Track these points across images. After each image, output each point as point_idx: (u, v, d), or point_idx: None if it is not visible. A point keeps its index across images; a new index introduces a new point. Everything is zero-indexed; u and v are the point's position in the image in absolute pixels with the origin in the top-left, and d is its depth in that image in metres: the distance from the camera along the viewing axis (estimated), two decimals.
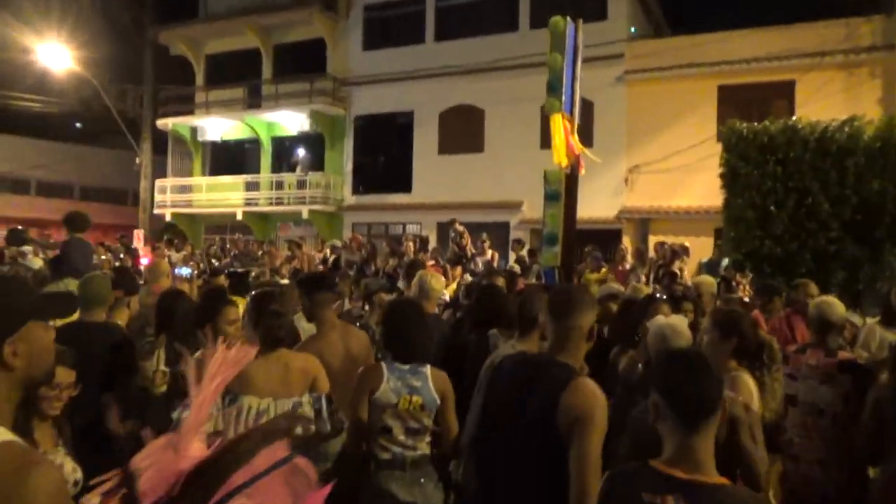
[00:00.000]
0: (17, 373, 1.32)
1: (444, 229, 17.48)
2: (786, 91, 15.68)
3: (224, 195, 22.74)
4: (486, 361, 3.26)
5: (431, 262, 9.94)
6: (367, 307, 5.47)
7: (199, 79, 24.13)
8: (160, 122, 23.55)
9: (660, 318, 3.26)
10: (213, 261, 13.65)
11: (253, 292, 3.58)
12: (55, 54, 20.10)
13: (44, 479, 1.21)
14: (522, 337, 3.26)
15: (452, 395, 3.00)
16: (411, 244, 10.92)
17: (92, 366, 3.02)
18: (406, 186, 20.34)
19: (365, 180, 21.26)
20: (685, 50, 16.37)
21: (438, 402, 2.96)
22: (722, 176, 9.41)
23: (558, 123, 8.40)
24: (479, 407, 2.54)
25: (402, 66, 19.96)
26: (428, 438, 2.99)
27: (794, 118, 9.31)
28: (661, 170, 16.78)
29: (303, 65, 21.55)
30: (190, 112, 23.65)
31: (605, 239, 15.06)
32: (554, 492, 2.13)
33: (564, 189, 8.37)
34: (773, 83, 15.85)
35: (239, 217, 21.87)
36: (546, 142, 17.61)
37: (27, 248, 8.52)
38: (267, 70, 22.77)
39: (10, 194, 28.98)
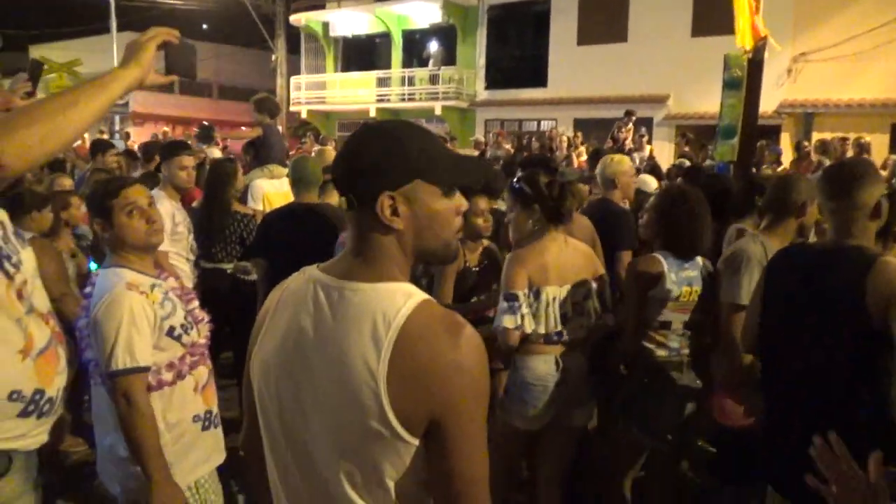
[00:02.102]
0: (404, 237, 1.16)
1: (581, 125, 16.72)
2: None
3: (356, 92, 22.84)
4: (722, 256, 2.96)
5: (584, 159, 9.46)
6: None
7: None
8: (293, 18, 23.62)
9: None
10: None
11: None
12: None
13: (473, 339, 1.11)
14: (771, 228, 2.87)
15: None
16: (565, 138, 10.41)
17: (306, 245, 2.97)
18: (541, 80, 19.48)
19: (498, 74, 20.54)
20: None
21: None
22: None
23: (743, 0, 7.49)
24: (757, 307, 2.24)
25: None
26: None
27: None
28: (831, 58, 14.99)
29: None
30: (322, 6, 23.56)
31: (761, 136, 13.83)
32: (869, 383, 1.95)
33: (747, 75, 7.56)
34: None
35: (372, 114, 21.93)
36: (698, 29, 16.39)
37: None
38: None
39: (157, 93, 30.51)
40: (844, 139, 9.73)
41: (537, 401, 2.72)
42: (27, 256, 1.72)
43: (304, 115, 23.79)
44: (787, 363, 2.11)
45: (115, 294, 2.03)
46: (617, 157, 4.67)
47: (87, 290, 2.22)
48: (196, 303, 2.34)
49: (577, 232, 3.27)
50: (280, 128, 20.30)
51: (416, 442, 1.09)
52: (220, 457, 2.28)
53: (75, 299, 3.63)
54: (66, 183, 5.29)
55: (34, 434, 1.67)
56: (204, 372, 2.23)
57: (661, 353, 2.81)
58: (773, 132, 15.16)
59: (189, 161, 4.04)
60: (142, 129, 20.83)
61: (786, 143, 14.01)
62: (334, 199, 3.67)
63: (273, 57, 23.75)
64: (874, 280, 1.92)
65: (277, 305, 1.25)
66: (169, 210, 3.80)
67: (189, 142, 7.10)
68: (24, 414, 1.62)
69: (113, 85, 1.49)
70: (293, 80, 24.12)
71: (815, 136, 14.07)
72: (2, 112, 1.60)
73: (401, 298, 1.12)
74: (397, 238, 1.16)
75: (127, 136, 15.66)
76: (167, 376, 2.11)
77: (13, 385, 1.59)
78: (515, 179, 2.90)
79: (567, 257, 2.79)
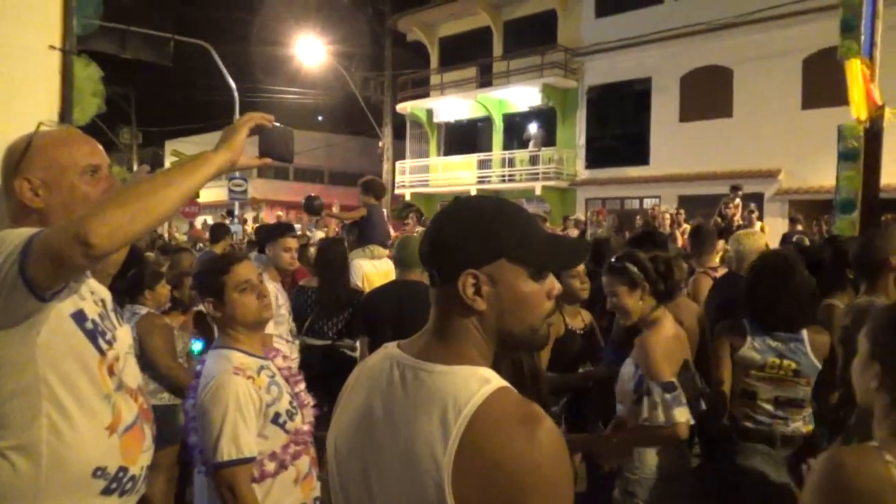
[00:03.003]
0: (486, 319, 1.11)
1: (685, 202, 16.32)
2: None
3: (458, 174, 23.48)
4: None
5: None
6: None
7: (434, 62, 25.06)
8: (399, 107, 24.86)
9: None
10: None
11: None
12: (311, 49, 22.05)
13: (551, 434, 1.01)
14: (871, 288, 2.70)
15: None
16: (668, 216, 10.19)
17: (409, 322, 3.00)
18: (643, 158, 19.32)
19: (598, 154, 20.58)
20: None
21: (819, 368, 2.57)
22: None
23: (856, 69, 7.26)
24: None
25: (638, 29, 18.82)
26: (807, 413, 2.59)
27: None
28: None
29: (533, 39, 21.31)
30: (426, 95, 24.69)
31: (885, 209, 12.97)
32: None
33: (864, 147, 7.22)
34: None
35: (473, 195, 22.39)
36: (809, 100, 15.88)
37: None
38: (497, 48, 22.94)
39: (273, 180, 32.67)
40: None
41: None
42: (123, 333, 1.74)
43: (407, 198, 24.65)
44: None
45: (222, 379, 2.00)
46: (751, 232, 4.56)
47: (198, 368, 2.21)
48: (303, 385, 2.28)
49: (684, 313, 3.14)
50: (385, 210, 21.04)
51: None
52: None
53: (185, 371, 3.81)
54: (186, 262, 5.64)
55: None
56: (306, 461, 2.15)
57: (747, 423, 2.66)
58: None
59: (293, 243, 4.15)
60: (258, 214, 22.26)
61: None
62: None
63: (380, 143, 24.96)
64: None
65: (355, 383, 1.23)
66: (273, 291, 3.85)
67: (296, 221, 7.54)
68: (106, 492, 1.59)
69: (204, 168, 1.53)
70: (398, 164, 25.16)
71: None
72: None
73: (475, 384, 1.04)
74: (478, 319, 1.11)
75: (244, 221, 16.74)
76: (269, 467, 2.03)
77: (98, 462, 1.57)
78: (616, 259, 2.78)
79: (682, 335, 2.68)
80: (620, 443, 2.55)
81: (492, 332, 1.12)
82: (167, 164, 2.50)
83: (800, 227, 9.73)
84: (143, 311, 3.84)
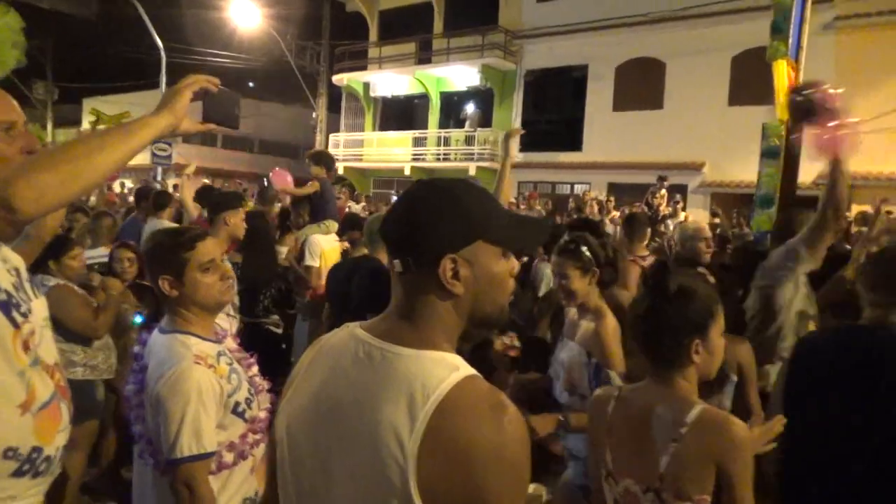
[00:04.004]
0: (461, 302, 1.10)
1: (615, 190, 16.73)
2: None
3: (392, 150, 23.27)
4: None
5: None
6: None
7: (373, 34, 24.65)
8: (335, 78, 24.37)
9: None
10: None
11: None
12: (246, 12, 21.26)
13: (517, 423, 1.02)
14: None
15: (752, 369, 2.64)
16: (596, 203, 10.40)
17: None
18: (576, 144, 19.65)
19: (533, 137, 20.69)
20: None
21: (735, 379, 2.64)
22: None
23: (782, 71, 7.54)
24: None
25: (577, 16, 19.05)
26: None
27: None
28: (871, 130, 14.84)
29: (475, 18, 21.23)
30: (363, 68, 24.29)
31: (799, 206, 13.63)
32: None
33: (785, 146, 7.53)
34: None
35: (407, 172, 22.27)
36: (736, 98, 16.45)
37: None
38: (438, 24, 22.76)
39: (200, 146, 31.54)
40: (889, 212, 9.54)
41: None
42: (38, 305, 1.62)
43: (341, 172, 24.28)
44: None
45: (183, 369, 1.85)
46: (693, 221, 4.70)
47: (137, 349, 2.05)
48: (256, 368, 2.17)
49: (618, 300, 3.18)
50: None
51: None
52: None
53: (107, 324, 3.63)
54: (106, 225, 5.27)
55: (27, 496, 1.54)
56: (262, 449, 2.03)
57: None
58: (812, 203, 14.94)
59: (244, 213, 3.97)
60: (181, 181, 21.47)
61: None
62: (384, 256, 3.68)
63: (314, 114, 24.44)
64: None
65: (313, 363, 1.19)
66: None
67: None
68: (18, 473, 1.49)
69: (143, 131, 1.44)
70: (332, 137, 24.73)
71: (855, 208, 13.87)
72: (25, 155, 1.54)
73: (444, 370, 1.03)
74: (454, 303, 1.10)
75: (174, 189, 16.06)
76: (228, 458, 1.93)
77: (9, 442, 1.47)
78: (570, 240, 2.71)
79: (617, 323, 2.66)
80: (578, 425, 2.53)
81: (465, 315, 1.12)
82: (85, 124, 2.33)
83: (717, 220, 10.11)
84: (53, 282, 3.60)
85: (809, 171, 15.18)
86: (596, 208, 10.40)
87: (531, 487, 2.48)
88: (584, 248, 2.63)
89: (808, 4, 7.85)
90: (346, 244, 5.26)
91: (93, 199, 8.26)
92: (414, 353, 1.06)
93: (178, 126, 1.50)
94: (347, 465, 1.05)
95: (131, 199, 10.22)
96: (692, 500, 1.60)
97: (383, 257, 3.52)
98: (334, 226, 5.64)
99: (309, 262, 5.14)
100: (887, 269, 2.06)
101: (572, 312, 2.77)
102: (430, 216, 1.08)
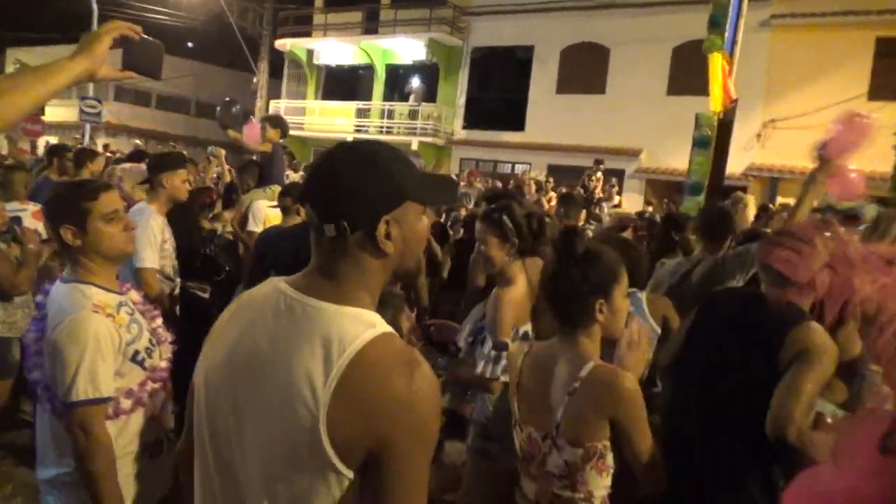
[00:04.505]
0: (390, 260, 1.15)
1: (554, 171, 16.97)
2: None
3: (335, 120, 22.92)
4: None
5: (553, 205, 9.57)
6: None
7: (319, 0, 24.08)
8: (278, 43, 23.76)
9: None
10: None
11: None
12: None
13: (429, 378, 1.07)
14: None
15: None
16: (534, 183, 10.54)
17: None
18: (519, 124, 19.81)
19: (477, 115, 20.84)
20: None
21: (659, 331, 2.78)
22: None
23: (717, 63, 7.76)
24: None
25: None
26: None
27: None
28: (798, 126, 15.52)
29: None
30: (308, 34, 23.76)
31: (727, 195, 14.17)
32: None
33: (716, 136, 7.80)
34: None
35: None
36: (674, 88, 16.86)
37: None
38: None
39: (133, 105, 30.29)
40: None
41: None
42: None
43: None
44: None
45: (81, 318, 1.88)
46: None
47: (39, 298, 2.05)
48: (160, 321, 2.20)
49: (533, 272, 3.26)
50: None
51: (349, 475, 1.03)
52: (166, 487, 2.12)
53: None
54: (20, 181, 5.02)
55: None
56: (162, 397, 2.09)
57: None
58: (738, 192, 15.54)
59: (186, 175, 3.86)
60: (114, 142, 20.56)
61: (751, 204, 14.37)
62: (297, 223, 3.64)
63: (255, 79, 23.79)
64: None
65: (234, 315, 1.21)
66: (161, 225, 3.60)
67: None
68: None
69: (58, 75, 1.37)
70: (273, 103, 24.13)
71: (780, 200, 14.50)
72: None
73: (362, 326, 1.08)
74: (383, 262, 1.15)
75: (105, 147, 15.36)
76: (125, 404, 1.96)
77: None
78: (493, 209, 2.79)
79: (531, 292, 2.72)
80: (454, 377, 2.69)
81: (390, 272, 1.18)
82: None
83: (650, 209, 10.41)
84: None
85: (738, 161, 15.81)
86: (534, 188, 10.54)
87: (455, 446, 2.57)
88: (506, 218, 2.70)
89: (745, 1, 8.11)
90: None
91: (3, 150, 7.79)
92: (334, 308, 1.10)
93: (95, 71, 1.43)
94: (261, 411, 1.07)
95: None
96: (583, 447, 1.74)
97: None
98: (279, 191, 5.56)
99: (252, 227, 5.03)
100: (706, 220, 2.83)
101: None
102: (364, 181, 1.11)
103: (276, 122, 5.84)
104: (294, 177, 13.20)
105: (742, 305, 2.16)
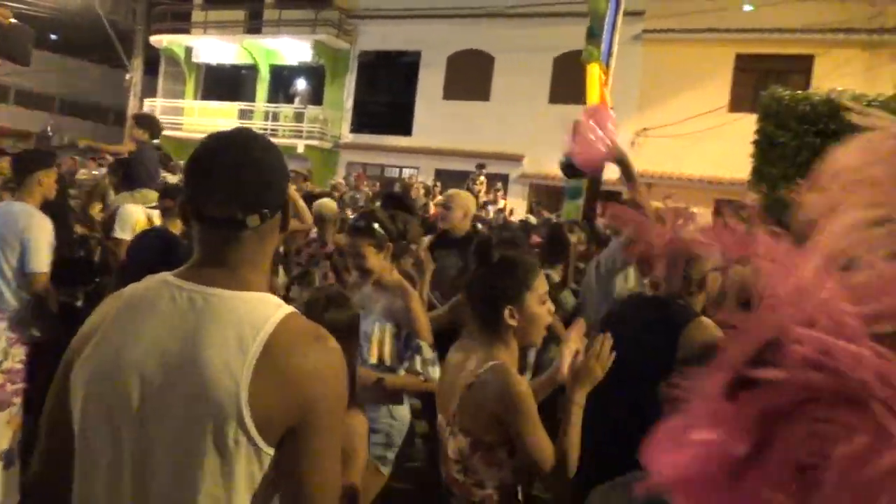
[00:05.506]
0: (277, 243, 1.27)
1: (441, 176, 17.17)
2: (804, 65, 15.45)
3: (216, 121, 22.00)
4: None
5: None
6: None
7: None
8: (154, 39, 22.57)
9: None
10: None
11: None
12: None
13: (339, 352, 1.16)
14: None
15: None
16: (421, 188, 10.62)
17: None
18: (406, 129, 19.88)
19: (364, 119, 20.72)
20: (706, 14, 15.98)
21: None
22: (756, 143, 9.23)
23: (594, 73, 8.11)
24: None
25: (414, 2, 19.24)
26: None
27: (839, 89, 9.09)
28: (669, 135, 16.55)
29: None
30: (186, 31, 22.74)
31: (605, 199, 14.88)
32: None
33: None
34: (792, 56, 15.60)
35: None
36: (556, 96, 17.49)
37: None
38: None
39: None
40: (677, 208, 10.68)
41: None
42: None
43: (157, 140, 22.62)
44: None
45: None
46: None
47: None
48: (5, 324, 2.07)
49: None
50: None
51: (270, 451, 1.07)
52: (15, 499, 1.98)
53: None
54: None
55: None
56: (19, 402, 1.98)
57: None
58: (616, 196, 16.34)
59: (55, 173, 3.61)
60: None
61: None
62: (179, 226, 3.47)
63: (127, 76, 22.48)
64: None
65: (119, 314, 1.15)
66: (50, 228, 3.35)
67: None
68: None
69: None
70: (148, 102, 22.88)
71: (654, 203, 15.35)
72: None
73: (270, 307, 1.12)
74: (273, 246, 1.22)
75: None
76: None
77: None
78: (359, 217, 2.79)
79: None
80: (392, 385, 2.67)
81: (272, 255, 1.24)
82: None
83: (531, 217, 10.75)
84: None
85: (615, 168, 16.46)
86: (422, 192, 10.62)
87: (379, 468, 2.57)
88: (376, 225, 2.69)
89: (620, 15, 8.54)
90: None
91: None
92: (237, 295, 1.12)
93: None
94: (173, 401, 1.06)
95: None
96: (472, 435, 1.83)
97: None
98: (152, 195, 5.22)
99: (119, 234, 4.70)
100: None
101: (367, 288, 2.80)
102: (280, 167, 1.18)
103: (144, 121, 5.54)
104: (172, 179, 12.61)
105: (638, 307, 2.29)
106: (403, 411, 2.74)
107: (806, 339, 0.49)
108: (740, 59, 16.10)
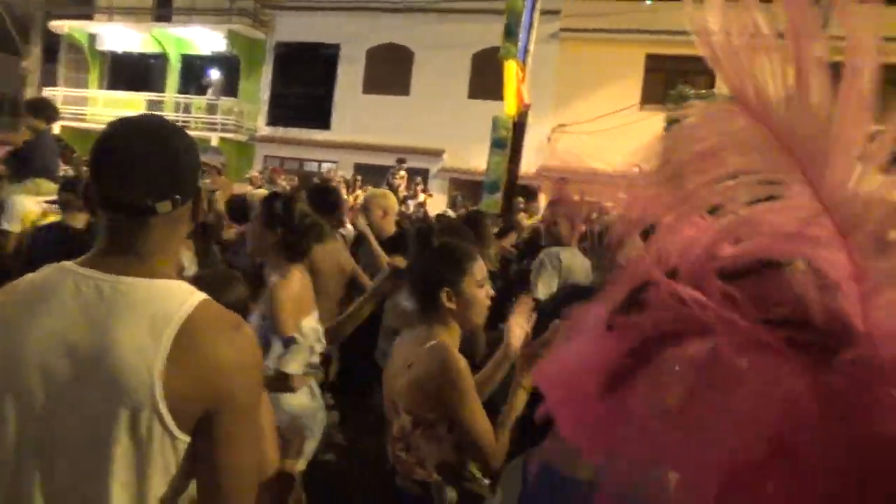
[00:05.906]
0: (190, 225, 1.22)
1: (361, 170, 17.03)
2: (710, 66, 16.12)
3: (123, 111, 21.02)
4: None
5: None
6: None
7: None
8: (54, 24, 21.31)
9: None
10: None
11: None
12: None
13: (253, 339, 1.16)
14: None
15: None
16: (343, 183, 10.49)
17: None
18: (325, 123, 19.60)
19: (282, 112, 20.26)
20: (619, 15, 16.49)
21: None
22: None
23: (512, 70, 8.25)
24: None
25: None
26: None
27: None
28: (584, 132, 17.00)
29: None
30: (89, 17, 21.61)
31: (522, 193, 15.17)
32: None
33: (511, 137, 8.28)
34: (699, 57, 16.17)
35: None
36: (474, 91, 17.64)
37: None
38: None
39: None
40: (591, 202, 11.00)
41: (311, 431, 2.63)
42: None
43: (56, 131, 21.40)
44: None
45: None
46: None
47: None
48: None
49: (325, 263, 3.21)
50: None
51: (186, 439, 1.06)
52: None
53: None
54: None
55: None
56: None
57: None
58: (534, 191, 16.69)
59: None
60: None
61: (543, 201, 15.50)
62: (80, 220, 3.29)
63: (23, 63, 21.16)
64: None
65: (12, 307, 1.10)
66: None
67: None
68: None
69: None
70: (48, 91, 21.57)
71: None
72: None
73: (183, 294, 1.11)
74: (181, 234, 1.19)
75: None
76: None
77: None
78: (272, 195, 2.79)
79: (307, 282, 2.65)
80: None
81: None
82: None
83: (450, 211, 10.83)
84: None
85: (532, 163, 16.93)
86: (344, 188, 10.48)
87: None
88: (280, 206, 2.63)
89: (537, 14, 8.70)
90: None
91: None
92: (147, 282, 1.10)
93: None
94: (84, 392, 1.04)
95: None
96: (413, 414, 1.89)
97: None
98: (48, 186, 4.91)
99: (6, 226, 4.42)
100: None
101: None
102: (188, 156, 1.14)
103: (38, 107, 5.19)
104: (72, 171, 11.96)
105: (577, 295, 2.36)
106: (286, 400, 2.57)
107: (663, 283, 0.57)
108: (650, 58, 16.69)
